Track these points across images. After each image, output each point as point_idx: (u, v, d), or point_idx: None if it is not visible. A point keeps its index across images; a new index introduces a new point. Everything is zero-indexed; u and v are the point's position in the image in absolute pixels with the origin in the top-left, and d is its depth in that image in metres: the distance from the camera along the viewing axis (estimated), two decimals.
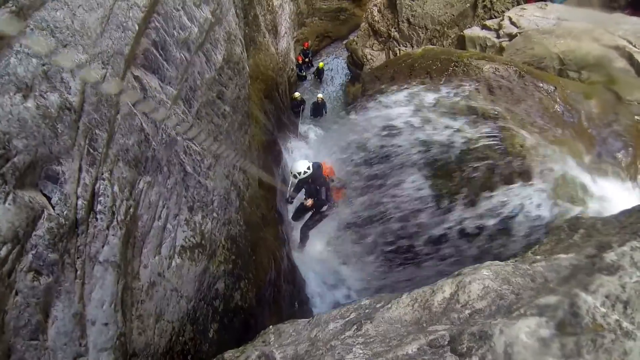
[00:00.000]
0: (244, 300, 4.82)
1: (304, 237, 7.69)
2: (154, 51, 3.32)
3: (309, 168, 6.65)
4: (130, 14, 2.85)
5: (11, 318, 1.90)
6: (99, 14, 2.52)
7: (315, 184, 6.76)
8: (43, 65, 2.11)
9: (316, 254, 8.02)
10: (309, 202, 6.89)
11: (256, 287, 5.19)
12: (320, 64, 17.58)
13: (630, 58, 6.90)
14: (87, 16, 2.42)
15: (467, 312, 2.15)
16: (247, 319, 4.85)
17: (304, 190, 7.08)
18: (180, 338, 3.58)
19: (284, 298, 6.17)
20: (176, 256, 3.75)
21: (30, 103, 2.05)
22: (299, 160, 7.10)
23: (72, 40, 2.31)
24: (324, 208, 7.17)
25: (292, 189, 7.08)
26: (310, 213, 7.40)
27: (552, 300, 1.83)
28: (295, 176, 6.74)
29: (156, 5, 3.29)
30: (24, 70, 2.01)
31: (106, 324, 2.53)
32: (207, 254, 4.26)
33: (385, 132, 7.21)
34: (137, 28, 2.90)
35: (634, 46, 6.95)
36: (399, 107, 7.23)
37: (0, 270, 1.82)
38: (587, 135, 5.94)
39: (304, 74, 17.41)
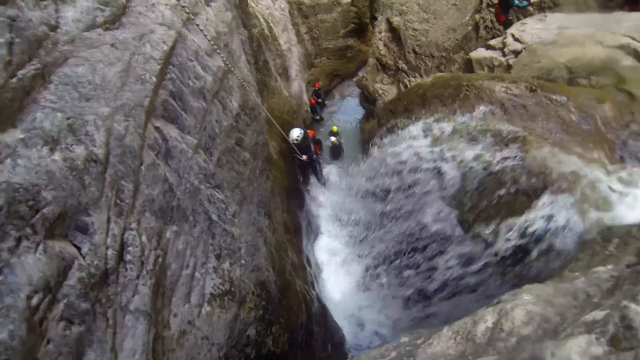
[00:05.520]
0: (276, 346, 4.68)
1: (321, 180, 11.19)
2: (172, 102, 3.46)
3: (299, 135, 9.58)
4: (148, 67, 3.01)
5: None
6: (118, 68, 2.68)
7: (307, 142, 9.94)
8: (68, 119, 2.23)
9: (346, 295, 7.87)
10: (304, 157, 9.80)
11: (288, 331, 5.05)
12: (333, 140, 14.31)
13: (636, 55, 6.63)
14: (107, 71, 2.57)
15: (513, 339, 2.04)
16: None
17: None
18: None
19: (316, 341, 5.96)
20: (206, 304, 3.72)
21: (57, 156, 2.14)
22: (293, 129, 9.79)
23: (94, 94, 2.45)
24: (314, 157, 10.48)
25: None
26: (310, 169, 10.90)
27: (600, 315, 1.74)
28: (295, 140, 9.52)
29: (171, 57, 3.47)
30: (50, 124, 2.12)
31: None
32: (237, 301, 4.20)
33: (404, 166, 7.18)
34: (154, 80, 3.05)
35: (639, 42, 6.81)
36: (415, 139, 7.22)
37: (32, 318, 1.83)
38: (606, 140, 5.74)
39: (318, 117, 17.46)
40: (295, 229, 7.78)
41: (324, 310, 6.86)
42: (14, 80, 1.99)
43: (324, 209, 10.44)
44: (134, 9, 3.18)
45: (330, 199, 10.69)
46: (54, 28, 2.33)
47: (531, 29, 8.42)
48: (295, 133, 9.61)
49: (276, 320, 4.90)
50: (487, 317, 2.36)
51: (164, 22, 3.50)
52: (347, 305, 7.71)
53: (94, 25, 2.67)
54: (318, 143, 11.46)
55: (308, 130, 10.90)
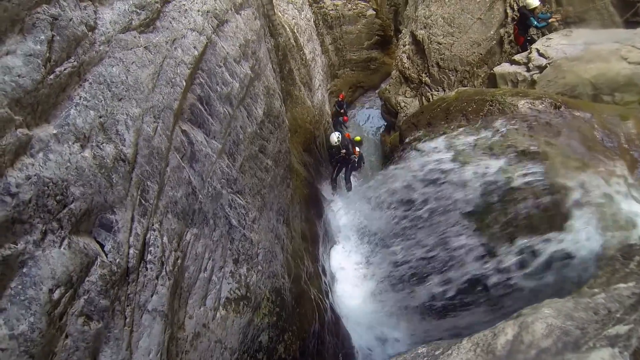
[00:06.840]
0: (288, 353, 4.64)
1: (348, 183, 11.88)
2: (200, 106, 3.51)
3: (338, 138, 10.84)
4: (178, 71, 3.07)
5: None
6: (150, 71, 2.74)
7: (345, 143, 11.09)
8: (100, 117, 2.27)
9: (359, 306, 7.80)
10: (344, 151, 10.95)
11: (300, 339, 5.01)
12: (358, 150, 13.45)
13: None
14: (140, 72, 2.62)
15: (533, 352, 2.04)
16: None
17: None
18: None
19: (327, 350, 5.90)
20: (221, 308, 3.72)
21: (87, 153, 2.18)
22: (331, 134, 11.07)
23: (126, 94, 2.50)
24: (350, 157, 11.40)
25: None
26: (343, 170, 11.91)
27: (623, 329, 1.74)
28: (336, 143, 10.76)
29: (200, 62, 3.53)
30: (83, 122, 2.16)
31: None
32: (251, 307, 4.20)
33: (425, 179, 7.13)
34: (184, 84, 3.11)
35: None
36: (437, 152, 7.18)
37: (52, 312, 1.85)
38: (629, 157, 5.63)
39: (340, 127, 17.35)
40: (312, 237, 7.77)
41: (336, 320, 6.80)
42: (52, 76, 2.04)
43: (342, 218, 10.42)
44: (168, 14, 3.26)
45: (348, 209, 10.67)
46: (92, 28, 2.39)
47: (556, 44, 8.33)
48: (335, 136, 10.92)
49: (289, 327, 4.88)
50: (508, 330, 2.38)
51: (195, 27, 3.57)
52: (361, 316, 7.63)
53: (130, 28, 2.74)
54: (354, 145, 12.15)
55: (346, 134, 12.34)
